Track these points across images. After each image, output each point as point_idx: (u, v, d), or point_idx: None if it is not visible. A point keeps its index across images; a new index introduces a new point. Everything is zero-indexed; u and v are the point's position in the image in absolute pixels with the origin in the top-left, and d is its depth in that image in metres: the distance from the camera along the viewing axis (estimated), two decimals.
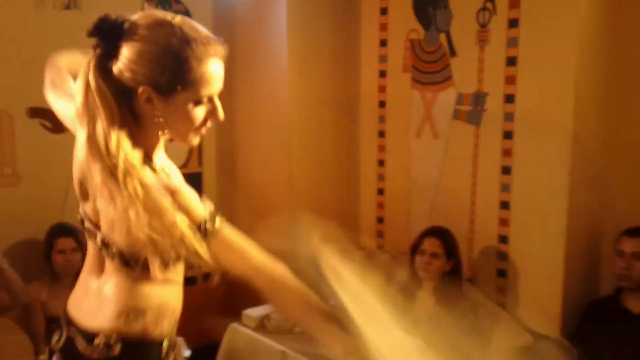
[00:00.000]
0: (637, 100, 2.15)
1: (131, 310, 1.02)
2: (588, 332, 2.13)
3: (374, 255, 2.71)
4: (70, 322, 1.08)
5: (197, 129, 0.98)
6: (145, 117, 0.95)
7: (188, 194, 0.93)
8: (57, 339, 1.09)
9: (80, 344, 1.03)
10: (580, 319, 2.21)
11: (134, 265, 0.97)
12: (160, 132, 0.98)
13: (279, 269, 0.96)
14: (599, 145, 2.22)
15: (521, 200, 2.26)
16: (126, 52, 0.91)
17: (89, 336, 1.03)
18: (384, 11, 2.72)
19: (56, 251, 2.19)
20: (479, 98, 2.38)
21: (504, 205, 2.32)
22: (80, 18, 2.45)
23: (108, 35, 0.91)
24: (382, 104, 2.79)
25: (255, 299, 3.10)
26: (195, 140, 1.00)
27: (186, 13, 2.78)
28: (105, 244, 1.01)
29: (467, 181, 2.44)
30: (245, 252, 0.96)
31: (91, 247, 1.09)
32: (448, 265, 2.19)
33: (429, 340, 2.09)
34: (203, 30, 0.94)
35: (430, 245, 2.18)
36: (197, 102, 0.95)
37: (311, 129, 2.77)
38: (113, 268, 1.03)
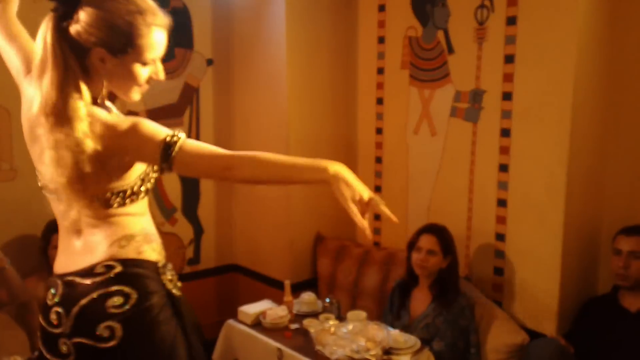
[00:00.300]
0: (635, 99, 2.15)
1: (121, 238, 1.12)
2: (585, 330, 2.13)
3: (371, 252, 2.71)
4: (64, 276, 1.13)
5: (140, 86, 1.12)
6: (95, 72, 1.08)
7: (147, 121, 1.07)
8: (53, 294, 1.13)
9: (80, 280, 1.10)
10: (577, 317, 2.21)
11: (112, 200, 1.10)
12: (106, 85, 1.11)
13: (241, 152, 1.08)
14: (597, 144, 2.22)
15: (518, 198, 2.26)
16: (84, 17, 1.03)
17: (88, 270, 1.10)
18: (381, 8, 2.71)
19: (53, 246, 2.18)
20: (476, 95, 2.37)
21: (501, 203, 2.32)
22: None
23: (66, 2, 1.03)
24: (379, 101, 2.78)
25: (252, 296, 3.09)
26: (136, 96, 1.14)
27: (184, 8, 2.78)
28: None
29: (465, 178, 2.44)
30: (212, 151, 1.07)
31: (61, 212, 1.15)
32: (445, 263, 2.19)
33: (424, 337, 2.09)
34: (152, 2, 1.10)
35: (427, 242, 2.18)
36: (144, 64, 1.09)
37: (309, 126, 2.77)
38: (90, 218, 1.11)
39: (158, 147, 1.03)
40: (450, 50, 2.45)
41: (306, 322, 2.15)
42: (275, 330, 2.14)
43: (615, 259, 2.08)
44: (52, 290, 1.13)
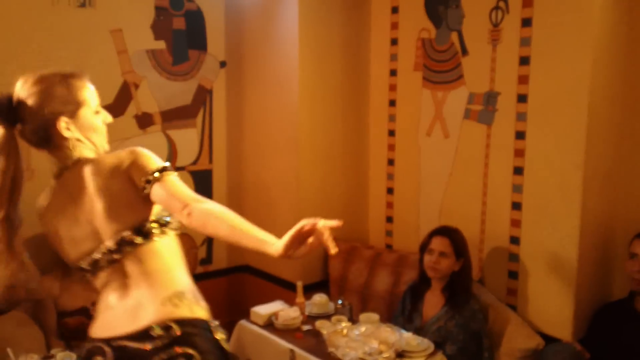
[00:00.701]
0: None
1: (172, 295, 1.13)
2: (600, 335, 2.11)
3: (383, 254, 2.70)
4: (111, 340, 1.12)
5: (104, 135, 1.29)
6: (64, 141, 1.22)
7: (147, 153, 1.21)
8: None
9: (136, 345, 1.08)
10: (593, 322, 2.18)
11: (150, 229, 1.18)
12: (81, 144, 1.25)
13: (206, 201, 1.13)
14: (613, 146, 2.19)
15: (533, 201, 2.24)
16: (30, 110, 1.17)
17: (142, 334, 1.09)
18: (394, 10, 2.71)
19: None
20: (490, 97, 2.36)
21: (516, 206, 2.30)
22: (95, 16, 2.48)
23: (7, 112, 1.16)
24: (392, 102, 2.78)
25: (262, 296, 3.09)
26: (106, 145, 1.29)
27: (198, 11, 2.80)
28: (117, 246, 1.16)
29: (478, 181, 2.42)
30: (182, 191, 1.14)
31: (104, 276, 1.19)
32: (457, 265, 2.18)
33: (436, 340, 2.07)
34: (68, 69, 1.26)
35: (439, 244, 2.17)
36: (95, 112, 1.26)
37: (320, 128, 2.77)
38: (134, 265, 1.14)
39: (151, 172, 1.16)
40: (464, 52, 2.44)
41: (318, 323, 2.15)
42: (287, 332, 2.14)
43: (630, 263, 2.05)
44: (100, 358, 1.12)
